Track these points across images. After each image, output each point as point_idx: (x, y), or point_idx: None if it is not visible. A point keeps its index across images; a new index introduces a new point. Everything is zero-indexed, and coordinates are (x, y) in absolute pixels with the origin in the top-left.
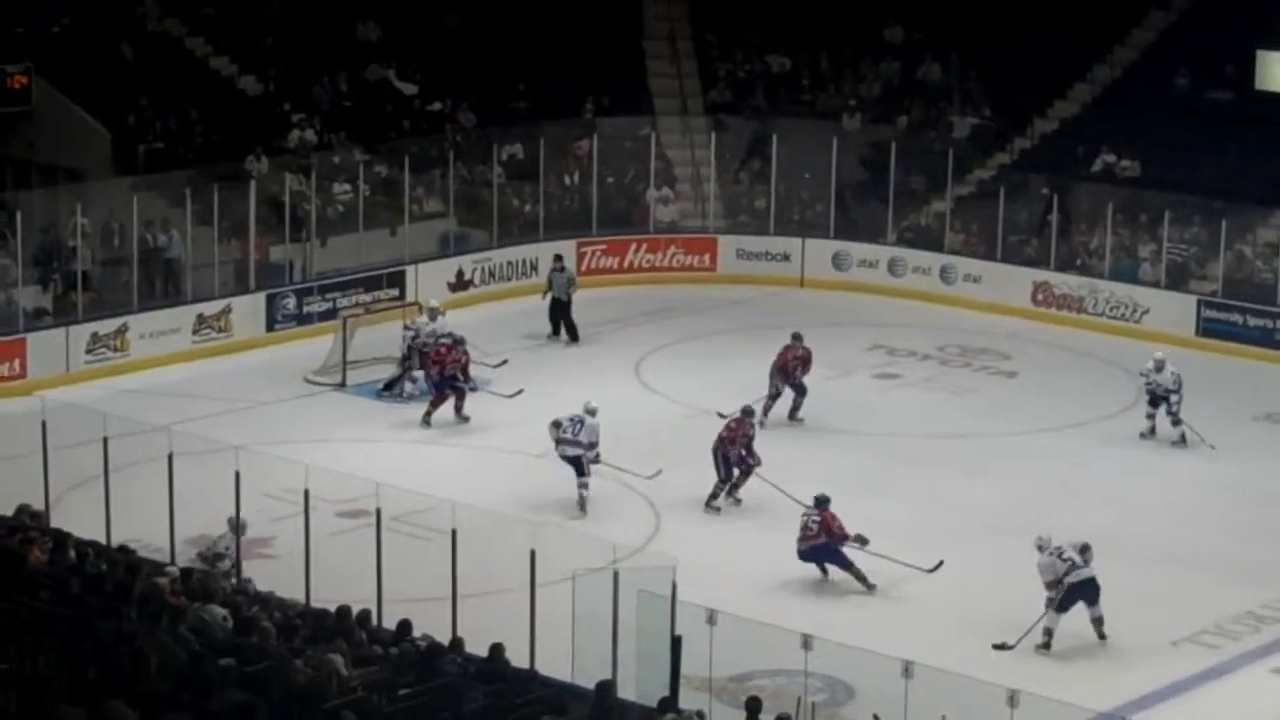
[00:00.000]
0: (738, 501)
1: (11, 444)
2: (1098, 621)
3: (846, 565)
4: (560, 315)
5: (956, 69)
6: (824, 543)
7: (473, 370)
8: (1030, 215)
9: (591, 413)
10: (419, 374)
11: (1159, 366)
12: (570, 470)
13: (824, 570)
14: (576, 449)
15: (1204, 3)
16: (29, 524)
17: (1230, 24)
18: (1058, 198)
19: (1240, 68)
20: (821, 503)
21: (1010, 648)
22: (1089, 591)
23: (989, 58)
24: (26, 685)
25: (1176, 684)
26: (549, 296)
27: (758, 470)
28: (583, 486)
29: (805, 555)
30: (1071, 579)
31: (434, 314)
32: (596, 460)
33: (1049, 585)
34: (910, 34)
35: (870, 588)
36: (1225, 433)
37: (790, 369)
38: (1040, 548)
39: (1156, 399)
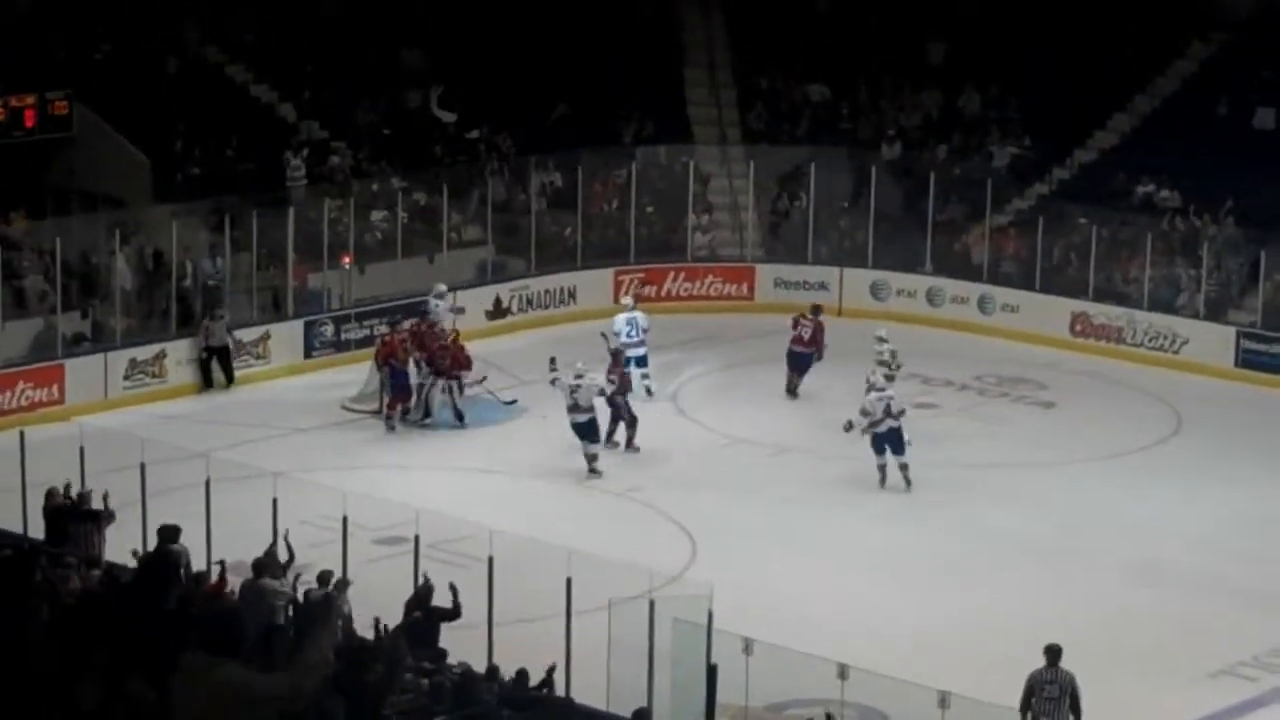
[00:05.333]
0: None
1: (50, 470)
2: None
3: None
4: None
5: (996, 99)
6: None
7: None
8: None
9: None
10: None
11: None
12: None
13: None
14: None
15: (1245, 34)
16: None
17: (1271, 54)
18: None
19: None
20: None
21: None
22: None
23: (1029, 88)
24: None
25: (1213, 715)
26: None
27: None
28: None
29: None
30: (879, 429)
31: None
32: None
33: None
34: (951, 59)
35: None
36: (1264, 465)
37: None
38: (876, 387)
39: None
